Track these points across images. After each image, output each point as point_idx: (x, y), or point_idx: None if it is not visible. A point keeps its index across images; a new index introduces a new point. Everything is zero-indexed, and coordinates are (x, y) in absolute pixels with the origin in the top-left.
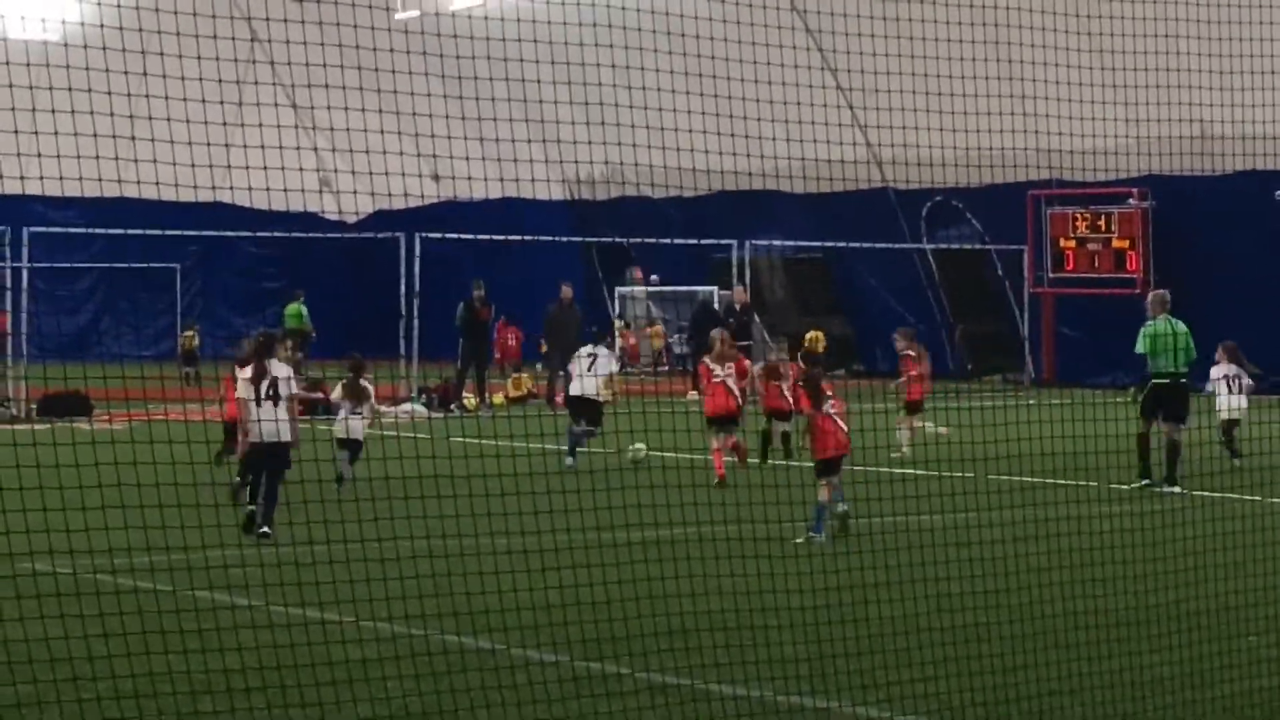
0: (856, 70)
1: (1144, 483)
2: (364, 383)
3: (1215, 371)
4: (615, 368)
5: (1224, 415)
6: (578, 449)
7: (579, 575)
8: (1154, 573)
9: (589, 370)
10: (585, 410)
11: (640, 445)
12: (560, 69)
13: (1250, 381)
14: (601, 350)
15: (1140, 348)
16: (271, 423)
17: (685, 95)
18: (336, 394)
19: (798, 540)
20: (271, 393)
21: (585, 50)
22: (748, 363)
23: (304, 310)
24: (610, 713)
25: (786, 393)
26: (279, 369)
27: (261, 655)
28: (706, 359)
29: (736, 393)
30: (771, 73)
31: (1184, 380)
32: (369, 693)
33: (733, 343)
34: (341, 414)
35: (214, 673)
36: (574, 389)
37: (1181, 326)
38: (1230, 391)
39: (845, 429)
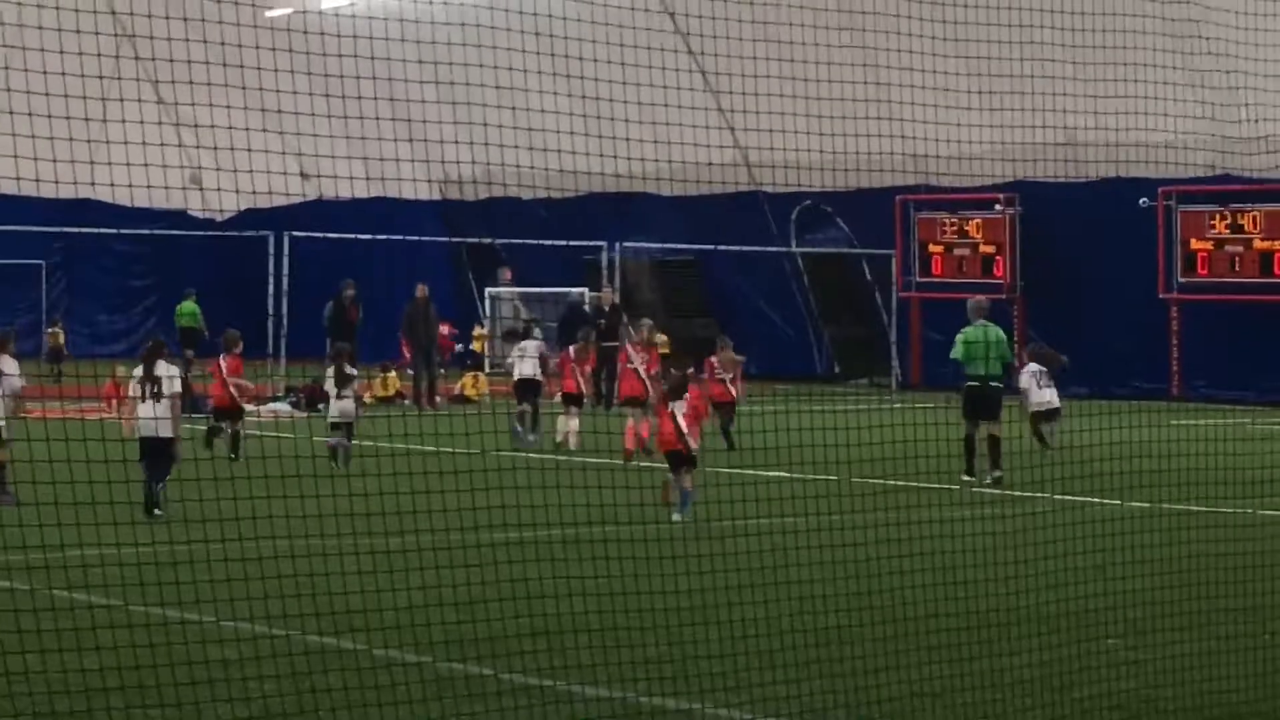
0: (727, 74)
1: (967, 479)
2: (349, 369)
3: (1024, 373)
4: (544, 351)
5: (1033, 408)
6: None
7: (443, 576)
8: (1016, 575)
9: (523, 357)
10: (529, 390)
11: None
12: (432, 69)
13: (1059, 372)
14: (530, 342)
15: (955, 354)
16: (152, 420)
17: (555, 96)
18: (328, 384)
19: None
20: (155, 391)
21: (456, 50)
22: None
23: (197, 309)
24: (473, 714)
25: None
26: (163, 370)
27: (120, 655)
28: (627, 346)
29: (646, 380)
30: (641, 75)
31: (995, 383)
32: (229, 693)
33: (598, 344)
34: (331, 399)
35: (72, 672)
36: (520, 373)
37: (997, 333)
38: (1040, 386)
39: (684, 428)
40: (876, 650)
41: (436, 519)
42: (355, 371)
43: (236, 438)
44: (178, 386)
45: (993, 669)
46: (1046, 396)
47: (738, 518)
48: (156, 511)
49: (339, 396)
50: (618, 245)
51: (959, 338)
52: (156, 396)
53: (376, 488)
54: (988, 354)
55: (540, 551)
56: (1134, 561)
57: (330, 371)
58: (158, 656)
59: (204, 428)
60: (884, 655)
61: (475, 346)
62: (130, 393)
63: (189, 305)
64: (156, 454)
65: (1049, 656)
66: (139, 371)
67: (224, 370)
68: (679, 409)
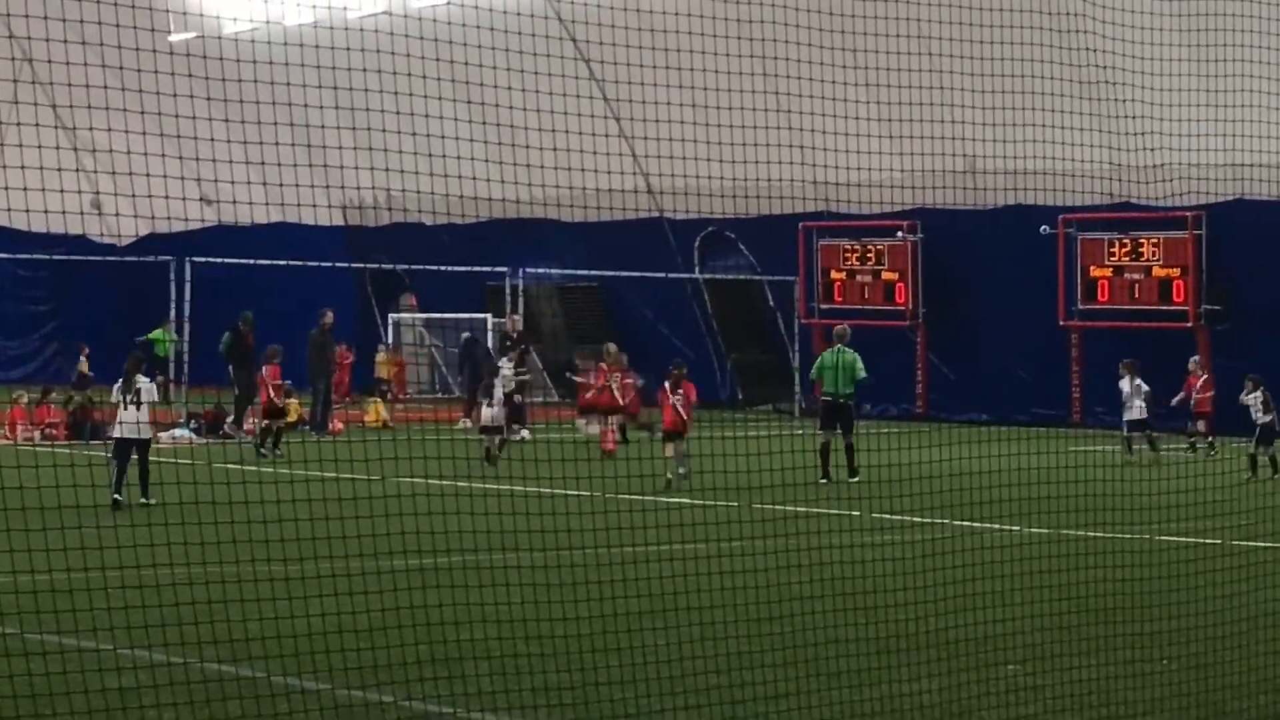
0: (630, 100)
1: (823, 481)
2: (496, 382)
3: None
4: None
5: None
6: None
7: (343, 603)
8: (917, 601)
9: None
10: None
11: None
12: (334, 94)
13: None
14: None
15: (812, 374)
16: (134, 423)
17: (455, 122)
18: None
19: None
20: (135, 400)
21: (359, 76)
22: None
23: (168, 336)
24: None
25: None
26: (142, 382)
27: (17, 684)
28: (603, 364)
29: (617, 393)
30: (544, 101)
31: (845, 400)
32: None
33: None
34: (483, 407)
35: None
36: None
37: (849, 356)
38: None
39: (684, 415)
40: (778, 676)
41: (336, 546)
42: (499, 385)
43: (279, 435)
44: (155, 395)
45: (894, 694)
46: None
47: (639, 544)
48: (118, 497)
49: (489, 405)
50: (521, 271)
51: (817, 361)
52: (137, 404)
53: (276, 514)
54: (838, 375)
55: (441, 578)
56: (1034, 587)
57: (483, 385)
58: (55, 685)
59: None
60: (785, 681)
61: (381, 373)
62: (113, 399)
63: (159, 332)
64: (137, 453)
65: (950, 682)
66: (120, 383)
67: (266, 377)
68: (678, 400)
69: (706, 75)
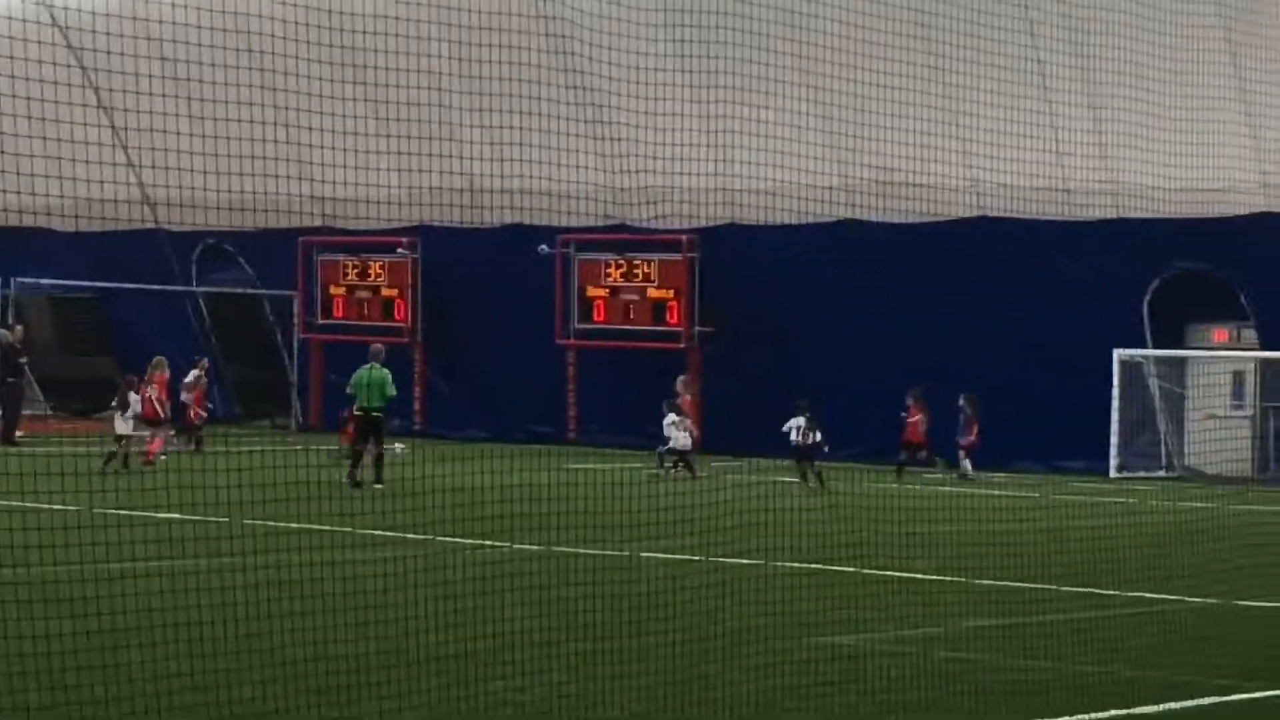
0: (126, 110)
1: (353, 487)
2: (131, 397)
3: None
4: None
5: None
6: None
7: None
8: (408, 616)
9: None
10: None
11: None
12: None
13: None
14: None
15: (348, 389)
16: None
17: None
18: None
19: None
20: None
21: None
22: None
23: None
24: None
25: None
26: None
27: None
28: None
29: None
30: (35, 108)
31: (375, 413)
32: None
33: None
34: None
35: None
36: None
37: (380, 374)
38: None
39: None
40: (265, 694)
41: None
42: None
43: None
44: None
45: (381, 711)
46: None
47: (126, 559)
48: None
49: (124, 416)
50: (12, 281)
51: (353, 376)
52: None
53: None
54: (369, 390)
55: None
56: (524, 603)
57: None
58: None
59: None
60: (271, 699)
61: None
62: None
63: None
64: None
65: (437, 698)
66: None
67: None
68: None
69: (205, 86)
